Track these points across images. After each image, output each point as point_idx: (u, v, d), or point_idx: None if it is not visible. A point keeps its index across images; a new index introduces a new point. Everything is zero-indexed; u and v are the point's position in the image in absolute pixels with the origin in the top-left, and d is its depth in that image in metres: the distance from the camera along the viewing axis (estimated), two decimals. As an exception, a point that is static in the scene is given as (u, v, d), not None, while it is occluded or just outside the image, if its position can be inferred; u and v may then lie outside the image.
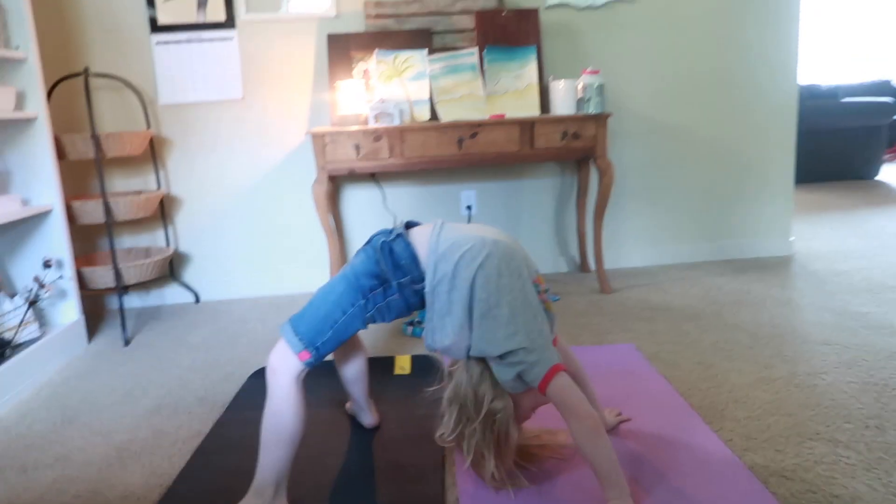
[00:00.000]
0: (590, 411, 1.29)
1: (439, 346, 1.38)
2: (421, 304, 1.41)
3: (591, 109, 2.68)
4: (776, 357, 2.05)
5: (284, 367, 1.36)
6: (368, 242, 1.43)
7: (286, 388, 1.35)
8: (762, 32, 3.09)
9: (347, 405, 1.81)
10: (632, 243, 3.24)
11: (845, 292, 2.65)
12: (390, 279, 1.36)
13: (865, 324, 2.29)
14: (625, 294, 2.81)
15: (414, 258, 1.37)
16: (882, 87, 6.82)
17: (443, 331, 1.35)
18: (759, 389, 1.84)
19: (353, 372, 1.65)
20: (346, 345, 1.62)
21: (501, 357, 1.31)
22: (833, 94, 5.74)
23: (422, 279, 1.37)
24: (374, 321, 1.40)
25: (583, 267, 3.17)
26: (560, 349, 1.49)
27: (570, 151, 2.69)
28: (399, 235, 1.40)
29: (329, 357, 1.46)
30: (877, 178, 5.74)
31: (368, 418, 1.74)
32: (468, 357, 1.38)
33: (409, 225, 1.47)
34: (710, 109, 3.14)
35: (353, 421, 1.78)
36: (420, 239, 1.40)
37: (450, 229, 1.42)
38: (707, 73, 3.11)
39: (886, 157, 6.50)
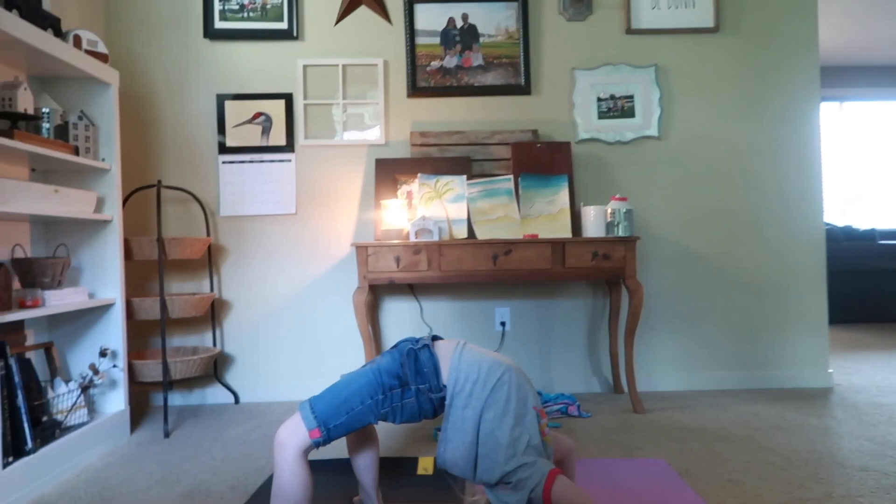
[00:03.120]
0: None
1: (449, 459, 1.45)
2: (432, 413, 1.50)
3: (620, 233, 2.83)
4: (811, 479, 2.01)
5: (293, 441, 1.42)
6: (396, 346, 1.54)
7: (292, 463, 1.41)
8: (787, 172, 3.26)
9: (356, 499, 1.84)
10: (665, 367, 3.25)
11: (886, 423, 2.59)
12: (410, 383, 1.47)
13: (906, 452, 2.23)
14: (657, 415, 2.79)
15: (436, 369, 1.49)
16: (920, 233, 6.88)
17: (454, 443, 1.44)
18: (790, 505, 1.80)
19: (365, 462, 1.71)
20: (363, 436, 1.69)
21: (506, 482, 1.36)
22: (870, 236, 5.81)
23: (439, 389, 1.48)
24: (385, 419, 1.48)
25: (616, 388, 3.17)
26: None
27: (601, 271, 2.80)
28: (426, 346, 1.52)
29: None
30: (920, 320, 5.64)
31: None
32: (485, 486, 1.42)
33: (436, 338, 1.59)
34: (740, 241, 3.26)
35: None
36: (443, 353, 1.52)
37: (471, 350, 1.53)
38: (735, 208, 3.26)
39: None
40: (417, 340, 1.55)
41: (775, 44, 3.27)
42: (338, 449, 2.17)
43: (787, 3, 3.27)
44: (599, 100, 3.27)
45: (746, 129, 3.27)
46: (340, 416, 1.45)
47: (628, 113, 3.27)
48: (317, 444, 1.44)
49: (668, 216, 3.25)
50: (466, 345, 1.55)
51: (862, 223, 6.90)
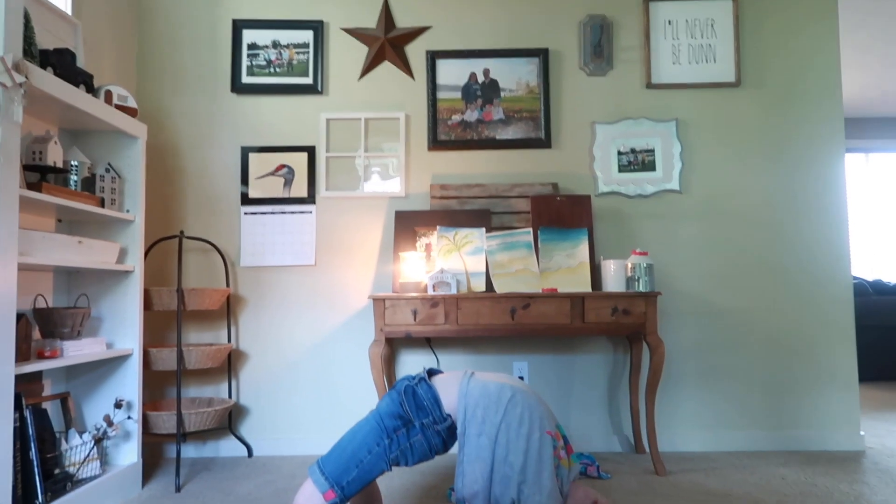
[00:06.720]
0: None
1: (468, 493, 1.41)
2: (443, 447, 1.47)
3: (641, 288, 2.78)
4: (843, 552, 1.92)
5: None
6: (394, 387, 1.52)
7: None
8: (812, 225, 3.21)
9: None
10: (689, 426, 3.16)
11: (922, 491, 2.47)
12: (413, 420, 1.45)
13: (944, 525, 2.12)
14: (680, 477, 2.70)
15: (436, 400, 1.46)
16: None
17: (472, 475, 1.40)
18: (821, 583, 1.71)
19: None
20: (368, 497, 1.66)
21: None
22: (900, 290, 5.65)
23: (444, 420, 1.45)
24: (398, 463, 1.45)
25: (637, 447, 3.08)
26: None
27: (621, 327, 2.76)
28: (422, 380, 1.51)
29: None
30: (958, 378, 5.43)
31: None
32: None
33: (432, 372, 1.57)
34: (765, 296, 3.19)
35: None
36: (447, 385, 1.50)
37: (479, 377, 1.51)
38: (759, 261, 3.21)
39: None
40: (414, 377, 1.53)
41: (798, 97, 3.26)
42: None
43: (810, 57, 3.27)
44: (620, 153, 3.27)
45: (770, 181, 3.24)
46: (351, 472, 1.42)
47: (649, 166, 3.27)
48: None
49: (691, 270, 3.21)
50: (475, 373, 1.53)
51: (894, 277, 6.74)
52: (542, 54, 3.28)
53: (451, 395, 1.48)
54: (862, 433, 3.15)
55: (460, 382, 1.50)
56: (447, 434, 1.47)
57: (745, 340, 3.18)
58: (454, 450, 1.51)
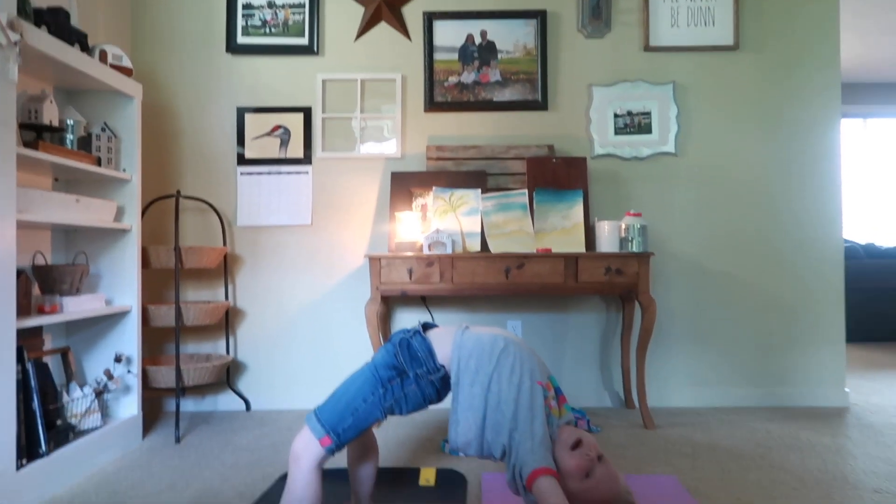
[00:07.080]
0: None
1: (461, 442, 1.47)
2: (437, 396, 1.52)
3: (634, 248, 2.82)
4: (823, 499, 1.99)
5: (307, 453, 1.45)
6: (389, 340, 1.57)
7: (306, 475, 1.44)
8: (806, 189, 3.24)
9: None
10: (677, 383, 3.22)
11: (903, 445, 2.55)
12: (408, 370, 1.50)
13: (922, 475, 2.19)
14: (668, 430, 2.77)
15: (430, 351, 1.51)
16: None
17: (465, 424, 1.45)
18: (799, 526, 1.78)
19: (364, 472, 1.74)
20: (364, 447, 1.71)
21: (506, 454, 1.40)
22: (893, 254, 5.71)
23: (437, 371, 1.50)
24: (392, 412, 1.50)
25: (627, 403, 3.15)
26: None
27: (614, 286, 2.80)
28: (417, 332, 1.56)
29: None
30: (947, 342, 5.52)
31: None
32: (481, 456, 1.46)
33: (427, 326, 1.62)
34: (757, 259, 3.23)
35: None
36: (441, 337, 1.55)
37: (474, 330, 1.55)
38: (752, 224, 3.24)
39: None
40: (409, 330, 1.59)
41: (796, 62, 3.26)
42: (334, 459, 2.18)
43: (809, 20, 3.26)
44: (616, 116, 3.28)
45: (765, 145, 3.25)
46: (347, 419, 1.47)
47: (645, 129, 3.27)
48: (330, 452, 1.47)
49: (684, 232, 3.24)
50: (469, 327, 1.58)
51: (886, 241, 6.78)
52: (540, 16, 3.27)
53: (445, 347, 1.53)
54: (847, 390, 3.22)
55: (454, 335, 1.54)
56: (441, 384, 1.52)
57: (736, 301, 3.23)
58: (447, 403, 1.56)
